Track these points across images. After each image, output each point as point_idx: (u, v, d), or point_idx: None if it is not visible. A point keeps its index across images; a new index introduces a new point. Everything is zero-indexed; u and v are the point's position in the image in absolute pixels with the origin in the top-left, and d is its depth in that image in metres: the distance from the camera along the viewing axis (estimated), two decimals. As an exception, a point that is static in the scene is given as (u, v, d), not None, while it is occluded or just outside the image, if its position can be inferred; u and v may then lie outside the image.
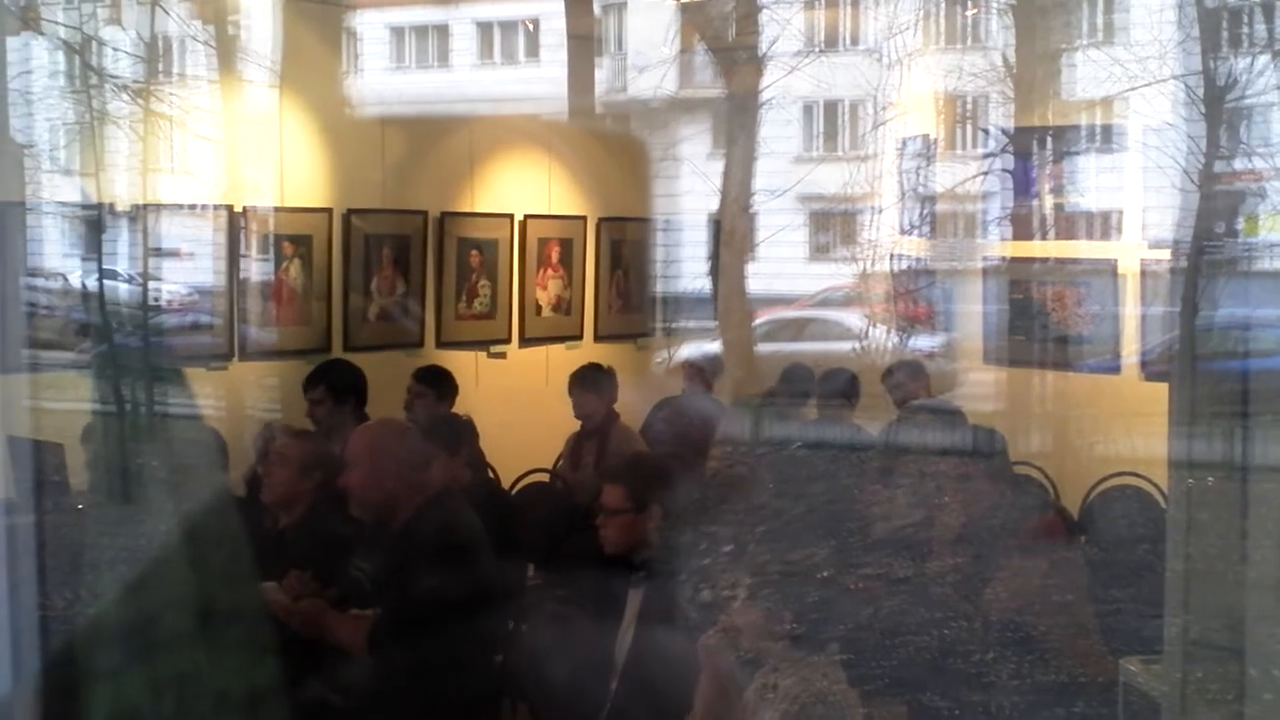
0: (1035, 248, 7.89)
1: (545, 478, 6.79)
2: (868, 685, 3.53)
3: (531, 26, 16.57)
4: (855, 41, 14.13)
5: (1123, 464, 6.26)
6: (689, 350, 9.99)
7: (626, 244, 8.61)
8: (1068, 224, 8.12)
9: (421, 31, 17.69)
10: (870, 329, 10.81)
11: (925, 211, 9.62)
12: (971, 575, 4.19)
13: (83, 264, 7.30)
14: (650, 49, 13.64)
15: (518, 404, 7.35)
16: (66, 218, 7.95)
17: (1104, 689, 3.86)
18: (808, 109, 15.47)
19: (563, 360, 7.67)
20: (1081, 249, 8.03)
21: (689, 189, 12.00)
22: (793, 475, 5.10)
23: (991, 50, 11.69)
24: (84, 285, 7.11)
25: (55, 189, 8.34)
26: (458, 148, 7.86)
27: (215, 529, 3.71)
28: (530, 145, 8.31)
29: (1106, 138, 9.45)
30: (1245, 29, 7.44)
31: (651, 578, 4.12)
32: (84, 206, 7.55)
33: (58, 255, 7.86)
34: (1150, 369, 7.01)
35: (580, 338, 8.29)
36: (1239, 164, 7.04)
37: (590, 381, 6.80)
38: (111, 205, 6.70)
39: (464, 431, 5.54)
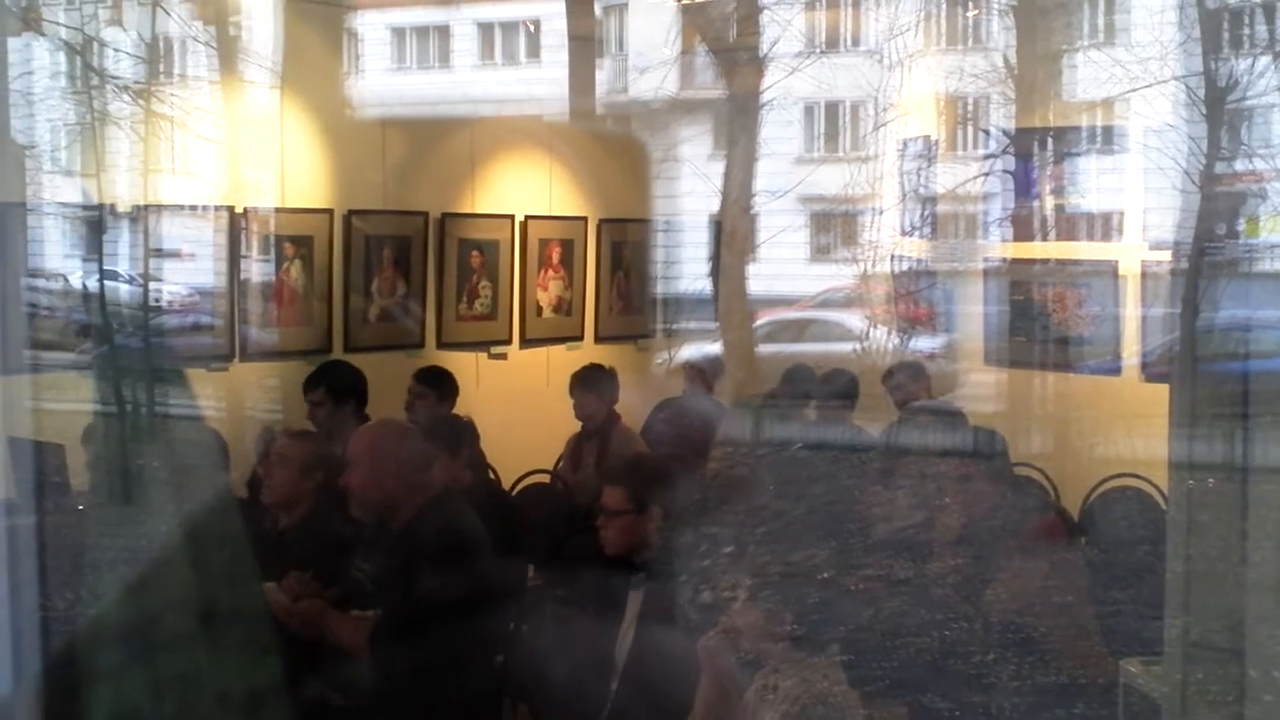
0: (1036, 249, 7.87)
1: (546, 479, 6.79)
2: (868, 686, 3.53)
3: (532, 27, 16.57)
4: (856, 42, 14.12)
5: (1123, 465, 6.26)
6: (690, 351, 9.97)
7: (627, 245, 8.61)
8: (1068, 225, 8.10)
9: (422, 32, 17.69)
10: (871, 330, 10.80)
11: (926, 212, 9.62)
12: (972, 576, 4.19)
13: (84, 265, 7.29)
14: (651, 50, 13.63)
15: (518, 405, 7.35)
16: (67, 218, 7.95)
17: (1104, 690, 3.86)
18: (809, 110, 15.45)
19: (563, 361, 7.67)
20: (1082, 250, 8.01)
21: (690, 190, 11.98)
22: (793, 476, 5.09)
23: (992, 51, 11.68)
24: (85, 286, 7.11)
25: (56, 190, 8.32)
26: (459, 149, 7.86)
27: (216, 530, 3.71)
28: (531, 146, 8.31)
29: (1107, 139, 9.42)
30: (1246, 30, 7.43)
31: (652, 579, 4.12)
32: (85, 207, 7.54)
33: (59, 256, 7.84)
34: (1151, 370, 6.99)
35: (581, 339, 8.29)
36: (1240, 165, 7.02)
37: (591, 382, 6.80)
38: (112, 206, 6.69)
39: (465, 432, 5.55)
